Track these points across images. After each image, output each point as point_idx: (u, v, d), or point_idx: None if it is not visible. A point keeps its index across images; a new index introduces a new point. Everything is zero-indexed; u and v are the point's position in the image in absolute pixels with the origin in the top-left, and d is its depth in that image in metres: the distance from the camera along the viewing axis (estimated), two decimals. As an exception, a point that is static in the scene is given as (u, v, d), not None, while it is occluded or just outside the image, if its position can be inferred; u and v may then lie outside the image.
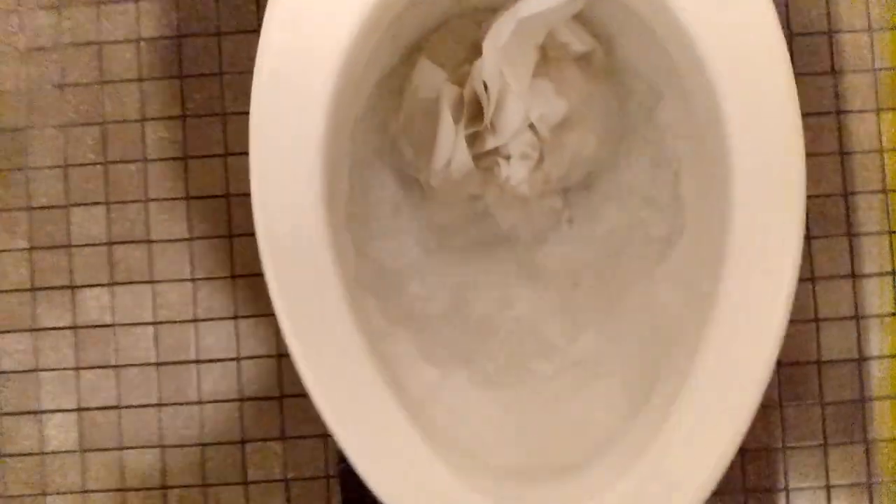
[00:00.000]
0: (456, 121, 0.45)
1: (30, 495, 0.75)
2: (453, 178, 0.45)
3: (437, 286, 0.48)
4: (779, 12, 0.74)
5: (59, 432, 0.75)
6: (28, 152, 0.77)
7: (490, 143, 0.46)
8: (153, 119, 0.77)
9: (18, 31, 0.78)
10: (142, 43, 0.78)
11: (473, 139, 0.46)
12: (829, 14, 0.75)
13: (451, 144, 0.44)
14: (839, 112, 0.75)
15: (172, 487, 0.75)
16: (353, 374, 0.39)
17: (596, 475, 0.39)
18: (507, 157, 0.47)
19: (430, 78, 0.45)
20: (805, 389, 0.74)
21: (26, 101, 0.78)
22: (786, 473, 0.73)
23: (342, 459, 0.73)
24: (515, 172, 0.46)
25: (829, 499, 0.73)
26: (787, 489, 0.73)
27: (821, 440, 0.73)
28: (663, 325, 0.43)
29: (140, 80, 0.77)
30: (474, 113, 0.46)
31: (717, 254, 0.40)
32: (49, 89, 0.78)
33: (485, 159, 0.47)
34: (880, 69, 0.75)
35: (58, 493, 0.75)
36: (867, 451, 0.73)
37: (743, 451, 0.73)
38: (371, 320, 0.43)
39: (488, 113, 0.44)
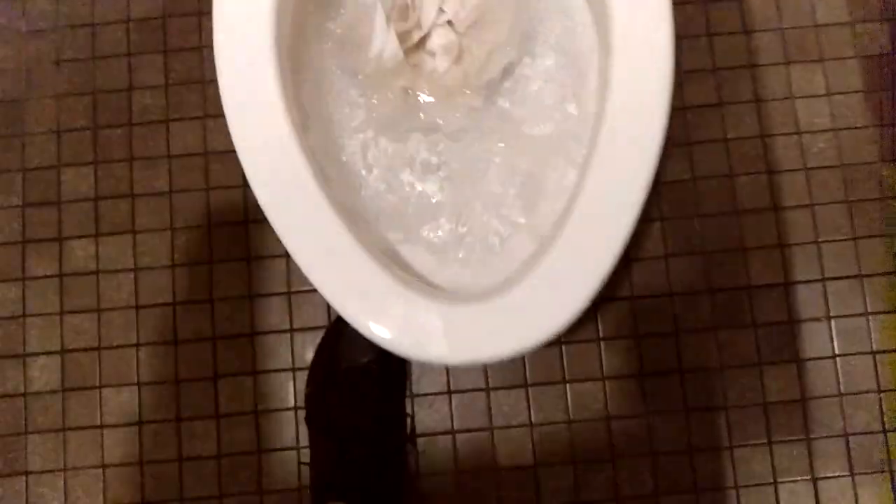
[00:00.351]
0: (390, 21, 0.53)
1: (12, 435, 0.79)
2: (386, 68, 0.52)
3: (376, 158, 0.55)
4: (694, -17, 0.85)
5: (43, 373, 0.80)
6: (25, 120, 0.85)
7: (416, 35, 0.53)
8: (139, 88, 0.85)
9: (21, 16, 0.87)
10: (131, 23, 0.87)
11: (405, 38, 0.54)
12: (737, -18, 0.85)
13: (383, 37, 0.52)
14: (753, 66, 0.83)
15: (148, 423, 0.79)
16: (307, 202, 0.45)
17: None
18: (433, 55, 0.55)
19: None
20: (737, 314, 0.79)
21: (26, 76, 0.86)
22: (724, 393, 0.78)
23: (306, 386, 0.77)
24: (440, 64, 0.54)
25: (766, 413, 0.77)
26: (725, 407, 0.77)
27: (755, 360, 0.78)
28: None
29: (129, 55, 0.86)
30: (405, 15, 0.54)
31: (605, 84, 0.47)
32: (47, 65, 0.86)
33: (414, 56, 0.55)
34: (786, 28, 0.84)
35: (38, 433, 0.79)
36: (799, 370, 0.78)
37: (682, 372, 0.78)
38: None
39: (412, 11, 0.52)
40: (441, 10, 0.53)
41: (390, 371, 0.76)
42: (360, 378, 0.74)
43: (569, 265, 0.43)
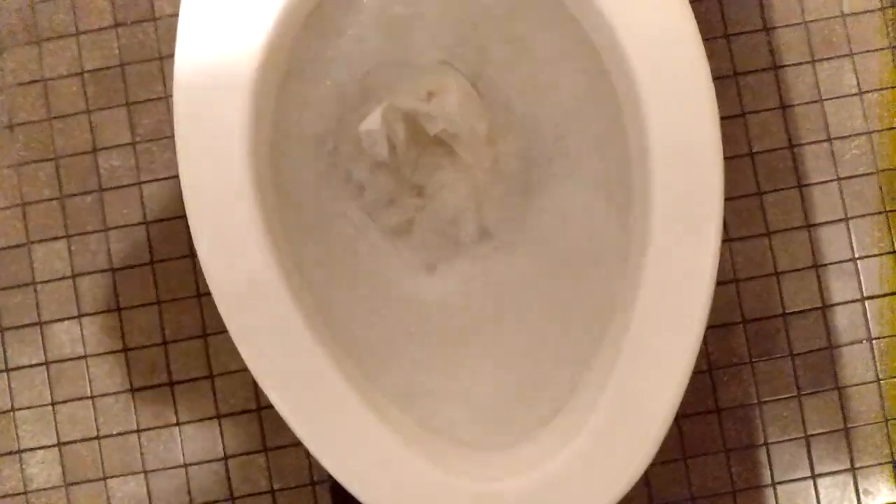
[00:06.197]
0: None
1: (19, 535, 0.72)
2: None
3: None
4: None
5: (42, 469, 0.73)
6: (-16, 195, 0.75)
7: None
8: (105, 149, 0.75)
9: (-38, 78, 0.76)
10: (85, 76, 0.76)
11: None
12: (754, -27, 0.73)
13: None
14: (776, 67, 0.73)
15: (160, 511, 0.72)
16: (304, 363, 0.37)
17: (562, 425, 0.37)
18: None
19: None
20: (774, 343, 0.72)
21: (-23, 145, 0.75)
22: (764, 429, 0.71)
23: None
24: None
25: (808, 447, 0.71)
26: (766, 444, 0.71)
27: (794, 391, 0.71)
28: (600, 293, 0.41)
29: (88, 111, 0.75)
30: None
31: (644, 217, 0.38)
32: (0, 130, 0.76)
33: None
34: (810, 21, 0.73)
35: (47, 530, 0.72)
36: (841, 398, 0.71)
37: (719, 411, 0.71)
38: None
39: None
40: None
41: None
42: None
43: (612, 442, 0.35)
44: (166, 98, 0.75)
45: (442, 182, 0.44)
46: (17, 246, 0.74)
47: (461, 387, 0.43)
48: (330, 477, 0.70)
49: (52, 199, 0.75)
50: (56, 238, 0.74)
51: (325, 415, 0.38)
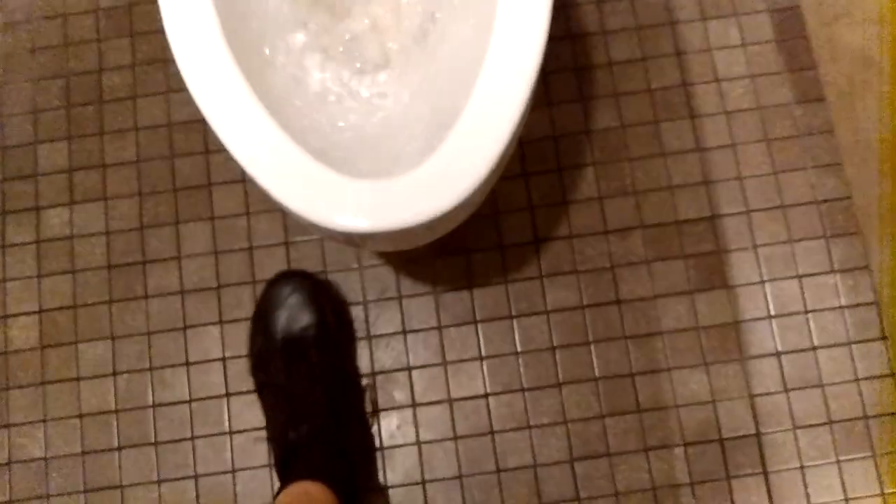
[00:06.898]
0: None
1: (-6, 391, 0.81)
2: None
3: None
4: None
5: (22, 332, 0.82)
6: (3, 103, 0.88)
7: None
8: (108, 70, 0.89)
9: (-2, 10, 0.91)
10: (100, 12, 0.91)
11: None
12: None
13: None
14: (673, 23, 0.87)
15: (122, 373, 0.81)
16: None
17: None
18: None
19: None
20: (668, 247, 0.82)
21: (3, 63, 0.89)
22: (659, 320, 0.80)
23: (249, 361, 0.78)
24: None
25: (700, 338, 0.79)
26: (661, 333, 0.80)
27: (687, 288, 0.81)
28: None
29: (98, 40, 0.90)
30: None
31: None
32: (23, 53, 0.90)
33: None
34: (702, -12, 0.88)
35: (19, 388, 0.81)
36: (729, 296, 0.80)
37: (619, 303, 0.80)
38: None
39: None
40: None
41: (328, 329, 0.74)
42: (299, 345, 0.73)
43: (470, 142, 0.46)
44: (164, 32, 0.89)
45: (357, 16, 0.57)
46: (26, 144, 0.87)
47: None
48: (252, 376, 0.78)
49: (59, 108, 0.88)
50: (60, 139, 0.87)
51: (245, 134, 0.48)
